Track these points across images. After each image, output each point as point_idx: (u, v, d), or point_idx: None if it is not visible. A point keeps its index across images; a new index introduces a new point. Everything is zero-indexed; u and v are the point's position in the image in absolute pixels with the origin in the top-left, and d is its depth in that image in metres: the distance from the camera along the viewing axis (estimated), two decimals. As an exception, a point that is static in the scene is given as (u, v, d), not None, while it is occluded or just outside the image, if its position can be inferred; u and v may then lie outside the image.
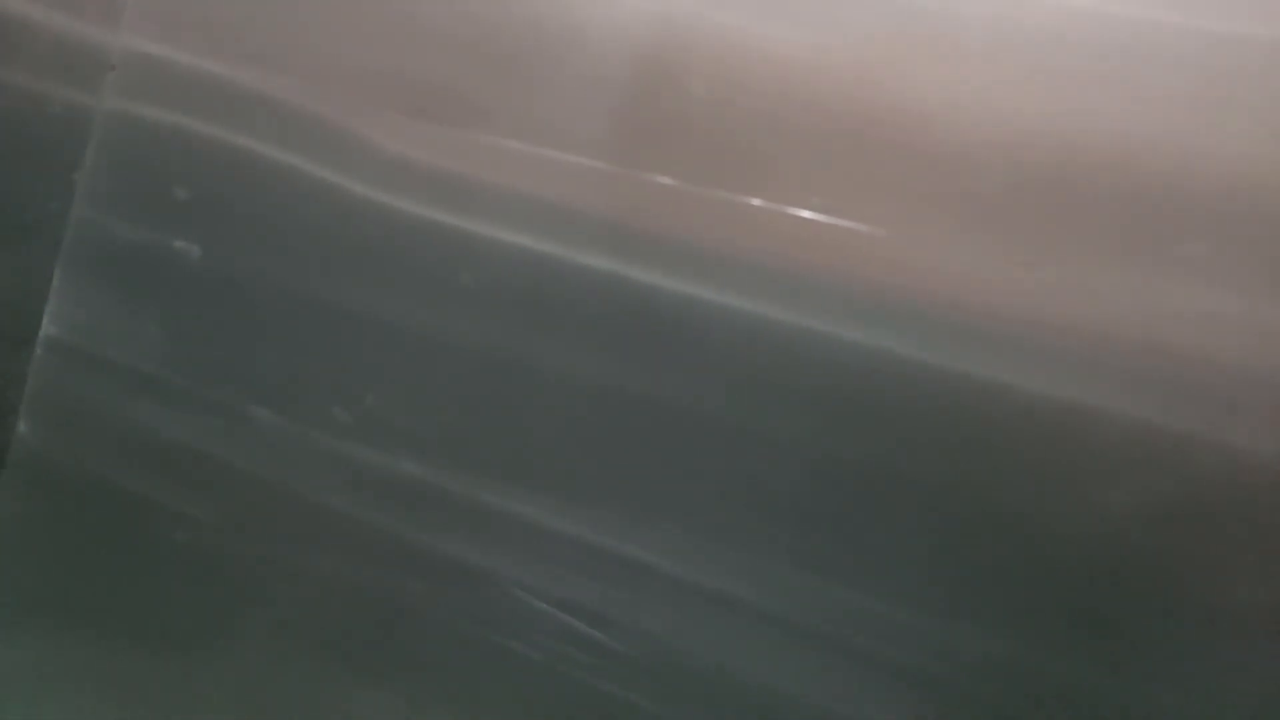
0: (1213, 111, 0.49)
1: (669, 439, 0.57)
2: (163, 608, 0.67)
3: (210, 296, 0.66)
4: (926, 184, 0.52)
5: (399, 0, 0.62)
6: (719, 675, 0.57)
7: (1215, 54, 0.49)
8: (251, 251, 0.65)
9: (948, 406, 0.52)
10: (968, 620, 0.52)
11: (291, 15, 0.65)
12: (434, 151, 0.61)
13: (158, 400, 0.67)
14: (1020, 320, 0.51)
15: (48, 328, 0.69)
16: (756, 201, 0.55)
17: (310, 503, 0.64)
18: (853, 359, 0.54)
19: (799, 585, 0.55)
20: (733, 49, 0.56)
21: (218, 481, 0.65)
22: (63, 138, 0.69)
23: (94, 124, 0.68)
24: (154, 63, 0.67)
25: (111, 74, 0.68)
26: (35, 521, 0.70)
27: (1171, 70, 0.50)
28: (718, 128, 0.56)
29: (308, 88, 0.64)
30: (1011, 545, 0.52)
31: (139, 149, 0.68)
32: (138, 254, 0.67)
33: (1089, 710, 0.51)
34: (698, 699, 0.57)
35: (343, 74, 0.63)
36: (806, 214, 0.54)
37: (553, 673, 0.59)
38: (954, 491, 0.52)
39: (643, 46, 0.58)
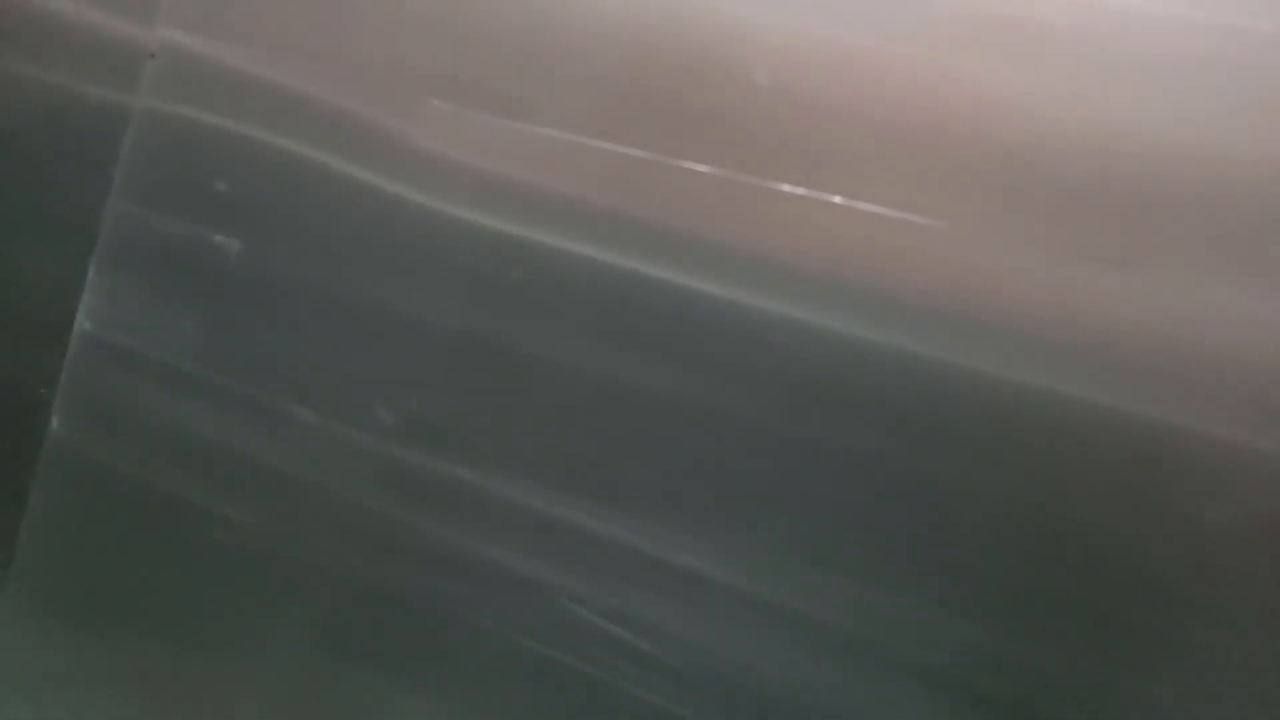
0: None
1: (724, 448, 0.56)
2: (197, 608, 0.66)
3: (249, 293, 0.65)
4: (1003, 180, 0.51)
5: (441, -7, 0.61)
6: (770, 689, 0.55)
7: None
8: (292, 248, 0.64)
9: (1024, 420, 0.50)
10: (1044, 641, 0.50)
11: (327, 9, 0.64)
12: (474, 148, 0.60)
13: (194, 398, 0.66)
14: (1100, 329, 0.49)
15: (82, 323, 0.68)
16: (822, 196, 0.54)
17: (351, 505, 0.62)
18: (920, 370, 0.52)
19: (860, 600, 0.53)
20: (795, 40, 0.54)
21: (256, 482, 0.64)
22: (99, 131, 0.68)
23: (131, 117, 0.68)
24: (190, 56, 0.66)
25: (149, 65, 0.67)
26: (67, 518, 0.69)
27: (1260, 76, 0.48)
28: (779, 119, 0.55)
29: (347, 83, 0.63)
30: (1088, 564, 0.50)
31: (176, 143, 0.67)
32: (175, 248, 0.66)
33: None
34: (747, 713, 0.55)
35: (380, 69, 0.62)
36: (873, 208, 0.53)
37: (599, 684, 0.57)
38: (1026, 508, 0.51)
39: (699, 37, 0.56)
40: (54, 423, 0.68)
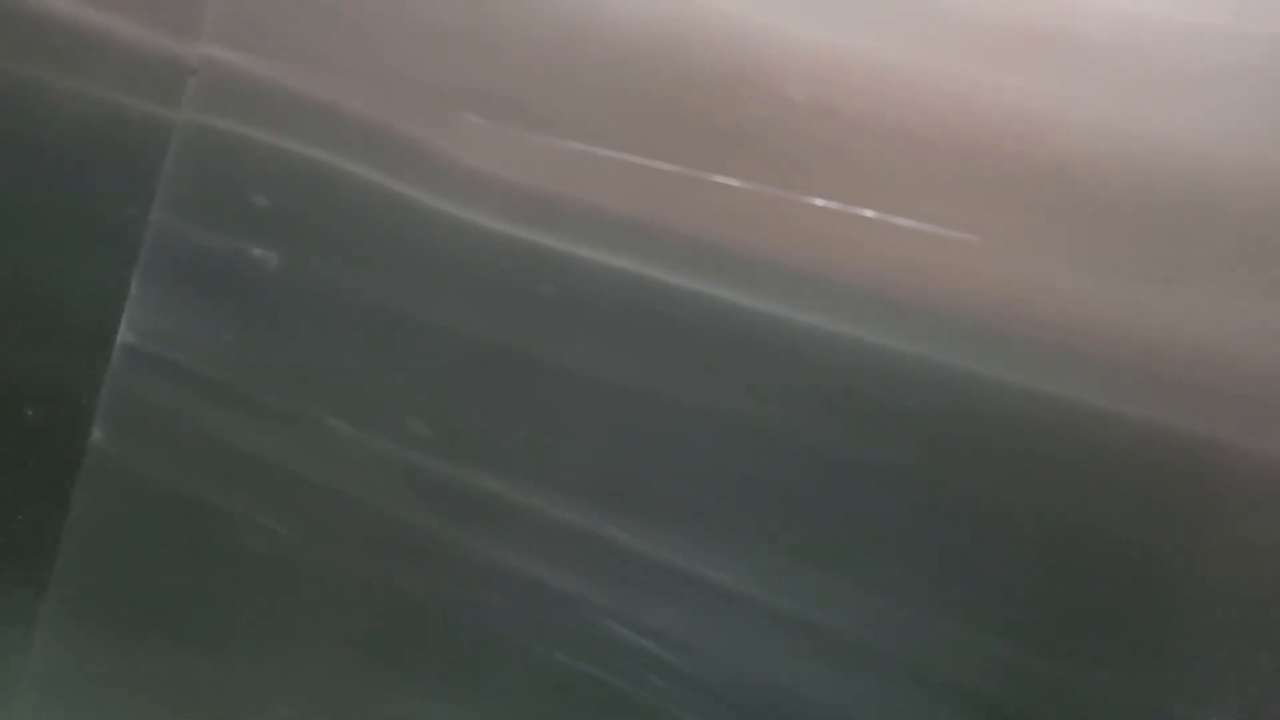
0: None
1: (760, 463, 0.55)
2: (234, 618, 0.66)
3: (288, 305, 0.65)
4: (1042, 194, 0.50)
5: (478, 9, 0.62)
6: (806, 709, 0.54)
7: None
8: (330, 261, 0.65)
9: (1062, 437, 0.49)
10: (1083, 662, 0.49)
11: (369, 25, 0.64)
12: (511, 163, 0.60)
13: (234, 409, 0.66)
14: (1142, 345, 0.48)
15: (124, 334, 0.69)
16: (856, 211, 0.53)
17: (387, 517, 0.63)
18: (959, 384, 0.51)
19: (898, 619, 0.52)
20: (830, 54, 0.54)
21: (293, 493, 0.64)
22: (142, 145, 0.69)
23: (173, 132, 0.68)
24: (233, 72, 0.67)
25: (191, 81, 0.68)
26: (108, 527, 0.70)
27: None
28: (814, 133, 0.54)
29: (384, 98, 0.63)
30: (1129, 582, 0.49)
31: (217, 157, 0.67)
32: (215, 261, 0.67)
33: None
34: (780, 731, 0.55)
35: (420, 85, 0.63)
36: (908, 223, 0.52)
37: (631, 700, 0.57)
38: (1067, 525, 0.50)
39: (734, 52, 0.56)
40: (96, 433, 0.69)
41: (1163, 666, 0.49)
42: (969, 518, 0.52)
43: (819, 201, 0.54)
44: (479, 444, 0.61)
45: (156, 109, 0.68)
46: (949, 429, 0.52)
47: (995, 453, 0.51)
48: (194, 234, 0.68)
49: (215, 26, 0.67)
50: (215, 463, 0.67)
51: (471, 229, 0.61)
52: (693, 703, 0.56)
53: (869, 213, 0.53)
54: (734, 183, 0.56)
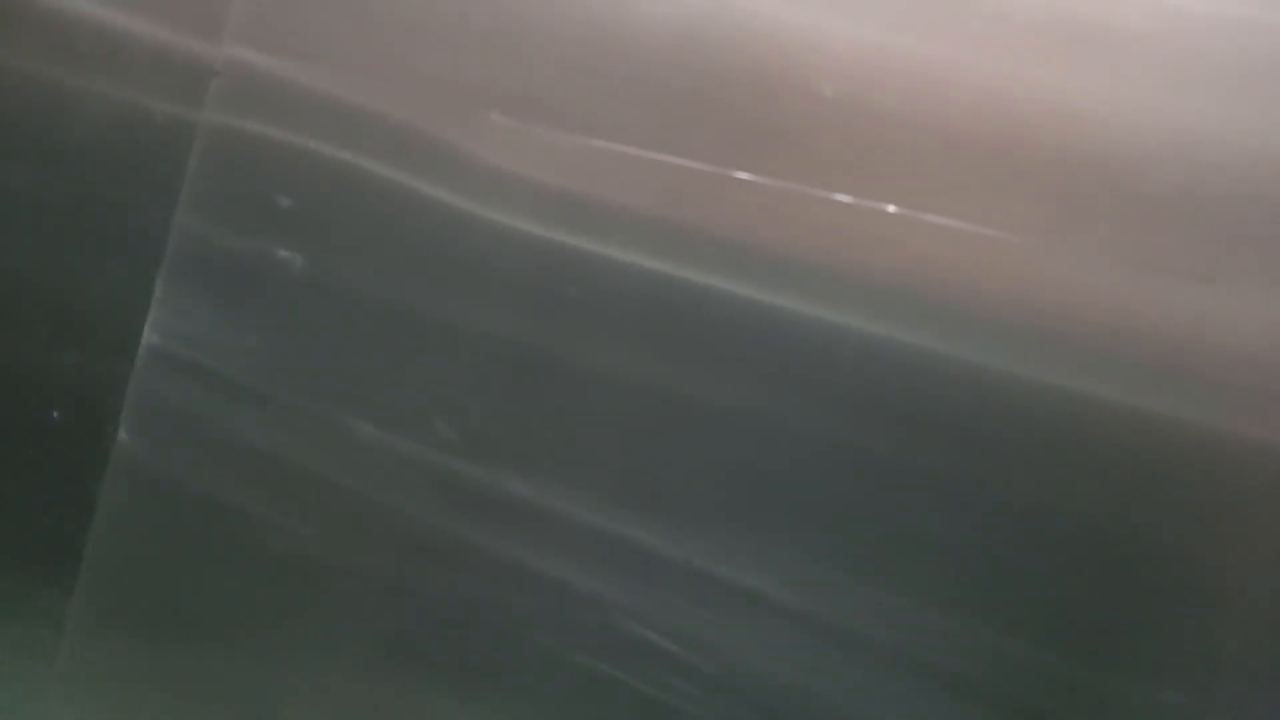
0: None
1: (788, 463, 0.55)
2: (259, 618, 0.66)
3: (312, 307, 0.65)
4: (1082, 191, 0.49)
5: (505, 9, 0.61)
6: (832, 712, 0.54)
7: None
8: (354, 263, 0.64)
9: (1101, 437, 0.48)
10: (1125, 666, 0.48)
11: (394, 26, 0.64)
12: (537, 163, 0.60)
13: (257, 411, 0.66)
14: (1191, 347, 0.47)
15: (149, 336, 0.69)
16: (890, 209, 0.53)
17: (411, 518, 0.62)
18: (999, 386, 0.50)
19: (930, 625, 0.52)
20: (861, 51, 0.53)
21: (317, 494, 0.64)
22: (166, 147, 0.69)
23: (197, 133, 0.68)
24: (256, 73, 0.67)
25: (214, 82, 0.68)
26: (133, 529, 0.70)
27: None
28: (845, 131, 0.54)
29: (409, 98, 0.63)
30: (1168, 586, 0.48)
31: (241, 159, 0.67)
32: (240, 263, 0.67)
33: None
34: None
35: (445, 85, 0.62)
36: (944, 221, 0.52)
37: (656, 703, 0.57)
38: (1108, 529, 0.49)
39: (763, 49, 0.55)
40: (121, 434, 0.69)
41: (1209, 671, 0.48)
42: (1004, 520, 0.51)
43: (850, 199, 0.54)
44: (504, 445, 0.60)
45: (180, 110, 0.68)
46: (984, 429, 0.51)
47: (1032, 454, 0.50)
48: (218, 235, 0.68)
49: (239, 27, 0.67)
50: (240, 464, 0.66)
51: (497, 229, 0.61)
52: (717, 706, 0.55)
53: (902, 211, 0.53)
54: (764, 180, 0.55)
